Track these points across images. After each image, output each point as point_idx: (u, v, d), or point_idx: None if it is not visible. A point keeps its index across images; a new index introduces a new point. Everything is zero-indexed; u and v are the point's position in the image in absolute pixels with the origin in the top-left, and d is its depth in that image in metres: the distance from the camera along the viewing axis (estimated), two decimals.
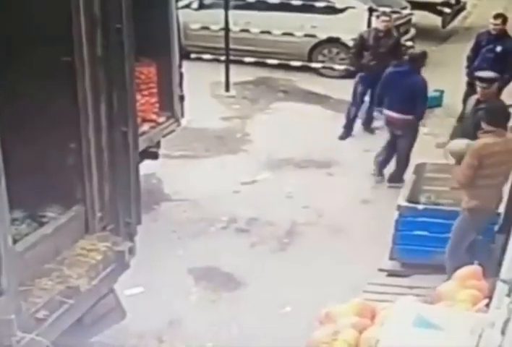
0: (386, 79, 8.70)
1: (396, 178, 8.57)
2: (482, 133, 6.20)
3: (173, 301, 6.39)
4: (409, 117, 8.36)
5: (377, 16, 10.34)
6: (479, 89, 7.67)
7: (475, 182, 6.10)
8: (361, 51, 10.04)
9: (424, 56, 8.88)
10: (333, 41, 12.70)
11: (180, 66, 7.96)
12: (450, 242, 6.33)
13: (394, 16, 11.06)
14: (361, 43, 10.05)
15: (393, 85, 8.49)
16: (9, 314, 3.91)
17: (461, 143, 6.34)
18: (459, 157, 6.18)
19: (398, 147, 8.64)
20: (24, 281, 4.32)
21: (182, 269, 6.90)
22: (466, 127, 7.38)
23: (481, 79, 7.59)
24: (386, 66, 9.92)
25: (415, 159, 8.05)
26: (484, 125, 6.19)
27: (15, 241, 4.18)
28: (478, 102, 7.71)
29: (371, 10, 11.90)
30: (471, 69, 9.40)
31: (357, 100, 10.14)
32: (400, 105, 8.40)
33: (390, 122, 8.71)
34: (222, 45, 11.95)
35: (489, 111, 6.38)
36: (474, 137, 6.36)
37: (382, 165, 8.92)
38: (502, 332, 3.36)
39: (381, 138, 10.19)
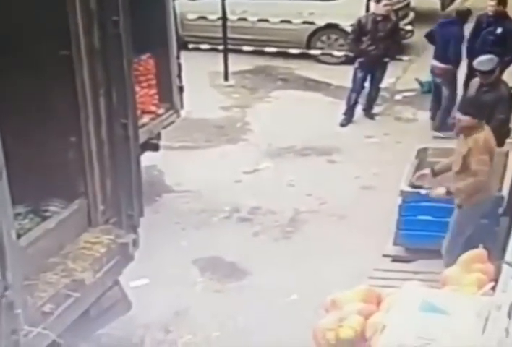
0: (434, 31, 9.50)
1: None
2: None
3: (179, 291, 6.39)
4: (449, 66, 9.04)
5: (377, 1, 10.26)
6: (480, 77, 7.71)
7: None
8: (359, 37, 9.98)
9: (469, 12, 9.55)
10: (332, 27, 12.64)
11: (178, 56, 7.94)
12: (447, 237, 6.26)
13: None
14: (360, 28, 9.98)
15: (437, 36, 9.29)
16: (15, 309, 3.92)
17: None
18: None
19: (443, 96, 9.21)
20: (29, 276, 4.33)
21: (186, 260, 6.91)
22: None
23: (481, 72, 7.65)
24: (385, 51, 9.94)
25: (414, 144, 8.02)
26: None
27: (19, 236, 4.18)
28: (481, 85, 7.70)
29: None
30: (471, 52, 9.34)
31: (357, 86, 10.10)
32: (441, 55, 9.16)
33: (432, 71, 9.45)
34: (220, 34, 11.90)
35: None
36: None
37: (443, 117, 9.40)
38: (509, 315, 3.36)
39: (382, 124, 10.22)
